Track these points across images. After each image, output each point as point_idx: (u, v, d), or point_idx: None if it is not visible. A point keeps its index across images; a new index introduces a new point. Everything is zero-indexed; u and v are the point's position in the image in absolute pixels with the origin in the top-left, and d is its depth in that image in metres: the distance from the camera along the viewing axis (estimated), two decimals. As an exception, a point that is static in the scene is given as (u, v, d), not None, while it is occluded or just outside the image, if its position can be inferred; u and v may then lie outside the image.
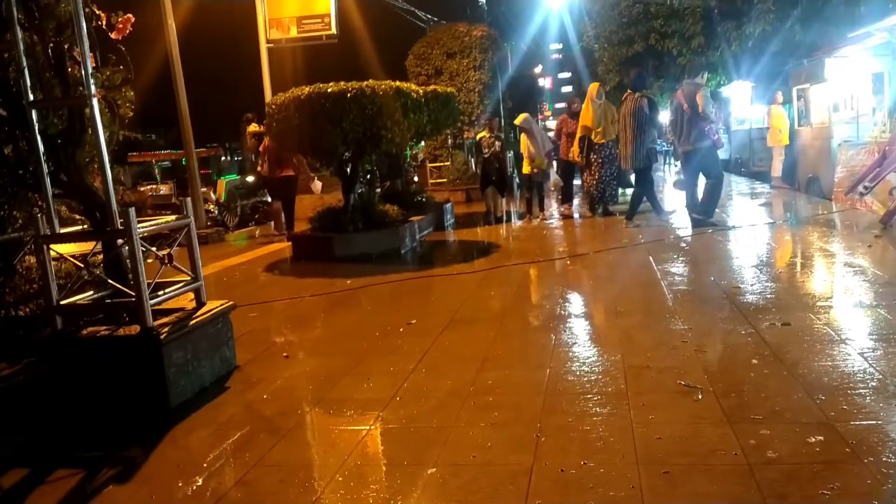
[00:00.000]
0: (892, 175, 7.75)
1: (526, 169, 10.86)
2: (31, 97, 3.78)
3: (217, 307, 4.19)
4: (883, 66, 9.49)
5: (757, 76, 12.37)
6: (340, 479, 2.77)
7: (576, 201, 11.85)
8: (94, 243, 4.14)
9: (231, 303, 4.36)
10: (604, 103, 10.33)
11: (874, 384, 3.24)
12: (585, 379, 3.67)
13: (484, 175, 11.59)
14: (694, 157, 8.52)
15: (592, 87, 10.60)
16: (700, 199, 8.66)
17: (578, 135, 10.43)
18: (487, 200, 11.43)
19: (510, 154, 13.40)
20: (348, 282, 6.86)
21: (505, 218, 11.34)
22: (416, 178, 15.44)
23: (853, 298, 4.86)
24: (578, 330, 4.71)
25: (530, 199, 11.17)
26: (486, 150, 11.16)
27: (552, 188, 11.39)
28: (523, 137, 10.93)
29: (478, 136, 11.67)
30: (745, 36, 12.14)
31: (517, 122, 10.87)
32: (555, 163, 11.76)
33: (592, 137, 10.25)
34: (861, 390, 3.18)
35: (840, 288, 5.27)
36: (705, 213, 8.56)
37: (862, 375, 3.36)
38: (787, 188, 12.07)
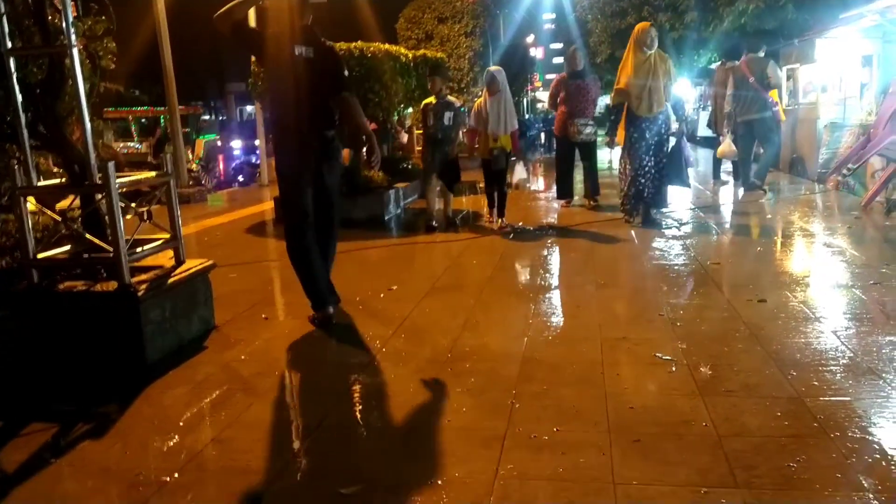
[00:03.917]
0: (875, 157, 7.80)
1: (481, 151, 7.51)
2: (10, 45, 3.70)
3: (196, 266, 4.17)
4: (873, 48, 9.49)
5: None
6: (316, 439, 2.79)
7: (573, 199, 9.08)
8: (72, 197, 4.10)
9: (211, 262, 4.34)
10: (655, 55, 6.83)
11: (845, 361, 3.30)
12: (562, 348, 3.70)
13: (425, 161, 7.98)
14: (757, 127, 8.96)
15: (640, 30, 6.91)
16: (757, 167, 9.17)
17: (613, 101, 7.30)
18: (429, 198, 7.92)
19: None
20: (330, 246, 6.82)
21: (453, 224, 7.85)
22: (406, 142, 15.26)
23: (829, 278, 4.91)
24: (557, 300, 4.74)
25: (492, 193, 7.60)
26: (431, 125, 7.61)
27: (515, 185, 7.92)
28: (482, 102, 7.40)
29: (422, 104, 8.05)
30: (739, 12, 12.06)
31: (491, 68, 7.57)
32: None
33: (634, 109, 6.94)
34: (832, 367, 3.24)
35: (817, 267, 5.32)
36: (761, 178, 9.07)
37: (834, 353, 3.42)
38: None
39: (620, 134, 7.19)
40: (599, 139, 9.06)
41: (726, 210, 8.34)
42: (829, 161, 9.62)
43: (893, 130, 7.15)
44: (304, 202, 4.23)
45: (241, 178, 18.40)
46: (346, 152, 10.14)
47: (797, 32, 11.53)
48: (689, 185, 7.97)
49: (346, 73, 4.36)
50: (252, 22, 8.30)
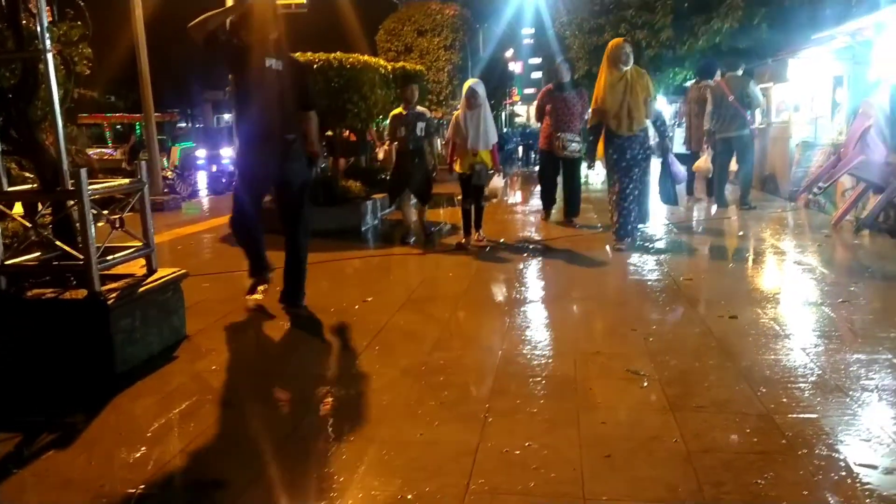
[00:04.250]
0: (845, 177, 7.94)
1: (461, 166, 7.09)
2: (-18, 49, 3.65)
3: (168, 275, 4.12)
4: (843, 69, 9.69)
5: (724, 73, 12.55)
6: (286, 451, 2.76)
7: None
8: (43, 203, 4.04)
9: (183, 271, 4.29)
10: (632, 72, 6.49)
11: (813, 379, 3.34)
12: (536, 363, 3.70)
13: (398, 174, 7.59)
14: (734, 144, 9.21)
15: (614, 46, 6.55)
16: (740, 191, 9.40)
17: (591, 122, 6.87)
18: (405, 211, 7.73)
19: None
20: (306, 256, 6.79)
21: (429, 236, 7.76)
22: (381, 156, 15.26)
23: (800, 295, 4.98)
24: (532, 314, 4.75)
25: (469, 210, 7.26)
26: (403, 136, 7.31)
27: (491, 196, 7.30)
28: (460, 116, 7.01)
29: (391, 114, 7.66)
30: (714, 32, 12.25)
31: (469, 83, 7.07)
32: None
33: (613, 128, 6.55)
34: (801, 384, 3.28)
35: (788, 285, 5.40)
36: (747, 199, 9.30)
37: (802, 370, 3.46)
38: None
39: (600, 153, 6.84)
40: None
41: (699, 226, 8.43)
42: (800, 179, 9.79)
43: (863, 151, 7.30)
44: (251, 204, 4.71)
45: (200, 188, 17.86)
46: (341, 161, 10.27)
47: (770, 52, 11.73)
48: (677, 203, 7.98)
49: (312, 87, 5.01)
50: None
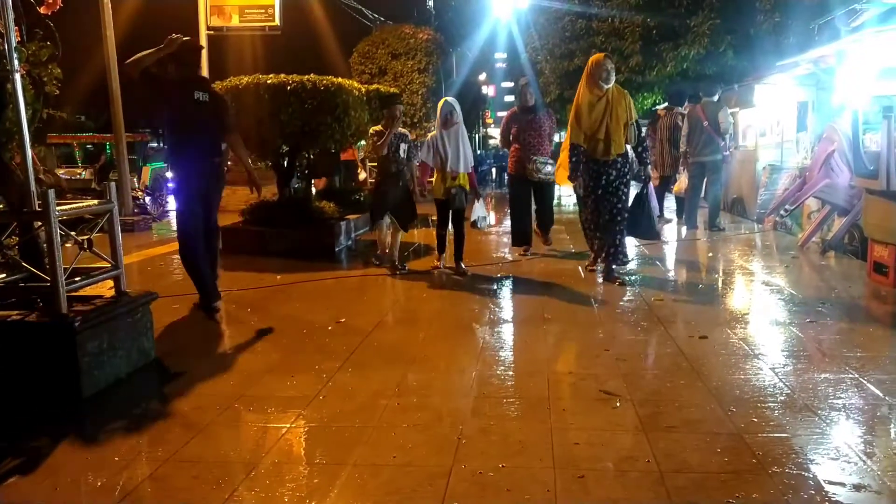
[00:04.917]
0: (811, 199, 8.11)
1: (437, 191, 6.74)
2: (-52, 68, 3.60)
3: (137, 297, 4.07)
4: (807, 95, 9.93)
5: (692, 98, 12.81)
6: (257, 476, 2.72)
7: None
8: (10, 224, 3.97)
9: (152, 293, 4.24)
10: (613, 91, 6.06)
11: (783, 398, 3.38)
12: (510, 383, 3.71)
13: (380, 196, 7.11)
14: (709, 167, 9.43)
15: (594, 63, 6.09)
16: (709, 214, 9.61)
17: (567, 141, 6.35)
18: (381, 236, 7.29)
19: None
20: (278, 277, 6.75)
21: (403, 258, 7.41)
22: (361, 177, 15.24)
23: (768, 316, 5.06)
24: (505, 335, 4.76)
25: (444, 235, 6.93)
26: (384, 155, 6.92)
27: (473, 223, 7.14)
28: (436, 136, 6.68)
29: (370, 131, 7.27)
30: (681, 58, 12.53)
31: (446, 100, 6.75)
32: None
33: (590, 150, 6.11)
34: (770, 404, 3.32)
35: (757, 305, 5.48)
36: (716, 221, 9.49)
37: (772, 390, 3.50)
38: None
39: (562, 180, 6.51)
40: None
41: (669, 248, 8.53)
42: (768, 202, 9.97)
43: (827, 174, 7.46)
44: (195, 220, 5.22)
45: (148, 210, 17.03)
46: (322, 180, 10.34)
47: (737, 78, 12.01)
48: (658, 237, 7.66)
49: (231, 114, 5.65)
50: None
